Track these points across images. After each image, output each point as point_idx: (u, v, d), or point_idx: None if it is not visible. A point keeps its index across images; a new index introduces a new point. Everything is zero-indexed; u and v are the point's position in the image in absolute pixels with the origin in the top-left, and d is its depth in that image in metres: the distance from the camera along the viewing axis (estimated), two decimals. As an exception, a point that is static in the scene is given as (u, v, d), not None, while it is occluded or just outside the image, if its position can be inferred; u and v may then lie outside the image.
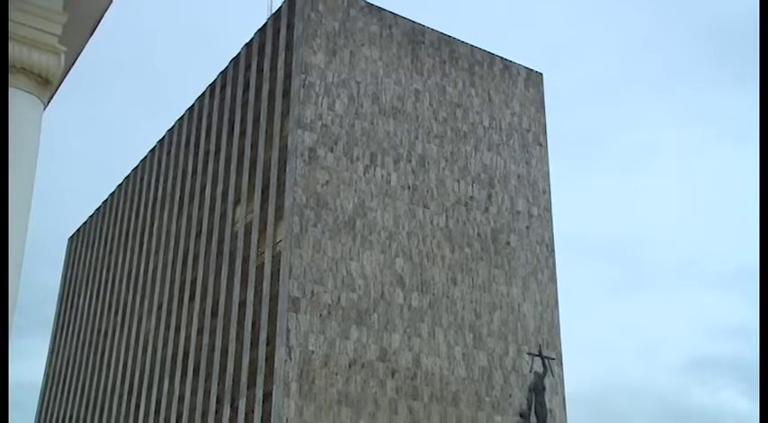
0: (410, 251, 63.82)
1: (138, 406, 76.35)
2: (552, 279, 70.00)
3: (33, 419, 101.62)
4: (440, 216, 66.43)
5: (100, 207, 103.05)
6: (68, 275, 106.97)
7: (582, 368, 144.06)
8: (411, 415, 58.88)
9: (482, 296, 65.76)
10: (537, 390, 66.03)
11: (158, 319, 77.91)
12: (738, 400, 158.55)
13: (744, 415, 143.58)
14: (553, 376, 66.74)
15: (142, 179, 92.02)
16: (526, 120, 75.20)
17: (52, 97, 8.75)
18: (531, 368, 66.29)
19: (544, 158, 74.67)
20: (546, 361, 67.31)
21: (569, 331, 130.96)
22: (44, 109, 8.47)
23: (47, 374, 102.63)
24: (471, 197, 68.83)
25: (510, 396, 63.97)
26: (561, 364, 67.41)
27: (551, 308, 68.83)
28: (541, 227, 71.36)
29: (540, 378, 66.72)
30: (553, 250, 71.13)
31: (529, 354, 66.43)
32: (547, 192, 73.31)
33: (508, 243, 68.95)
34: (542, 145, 75.10)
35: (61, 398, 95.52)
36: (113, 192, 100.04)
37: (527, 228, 70.52)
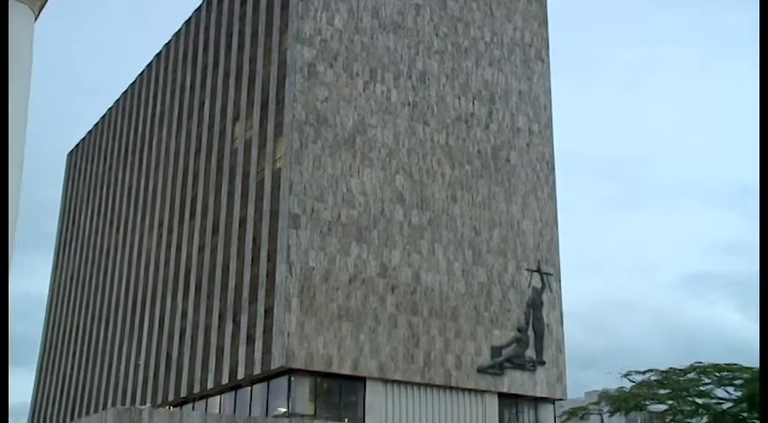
0: (410, 168, 63.72)
1: (142, 321, 77.60)
2: (552, 196, 70.10)
3: (41, 331, 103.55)
4: (440, 133, 66.07)
5: (98, 123, 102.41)
6: (69, 191, 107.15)
7: (579, 284, 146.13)
8: (410, 329, 59.86)
9: (482, 213, 65.99)
10: (535, 305, 67.02)
11: (159, 236, 78.40)
12: (731, 314, 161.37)
13: (735, 327, 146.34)
14: (551, 292, 67.59)
15: (140, 94, 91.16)
16: (528, 35, 73.97)
17: (43, 6, 8.52)
18: (530, 284, 67.07)
19: (546, 74, 73.75)
20: (544, 277, 68.12)
21: (568, 248, 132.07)
22: (35, 18, 8.26)
23: (52, 288, 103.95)
24: (472, 114, 68.31)
25: (508, 311, 64.92)
26: (559, 280, 68.16)
27: (550, 225, 69.16)
28: (542, 144, 71.04)
29: (538, 294, 67.63)
30: (553, 168, 71.01)
31: (527, 270, 67.15)
32: (548, 108, 72.71)
33: (508, 160, 68.79)
34: (544, 61, 74.07)
35: (67, 311, 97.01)
36: (111, 107, 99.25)
37: (527, 145, 70.22)
